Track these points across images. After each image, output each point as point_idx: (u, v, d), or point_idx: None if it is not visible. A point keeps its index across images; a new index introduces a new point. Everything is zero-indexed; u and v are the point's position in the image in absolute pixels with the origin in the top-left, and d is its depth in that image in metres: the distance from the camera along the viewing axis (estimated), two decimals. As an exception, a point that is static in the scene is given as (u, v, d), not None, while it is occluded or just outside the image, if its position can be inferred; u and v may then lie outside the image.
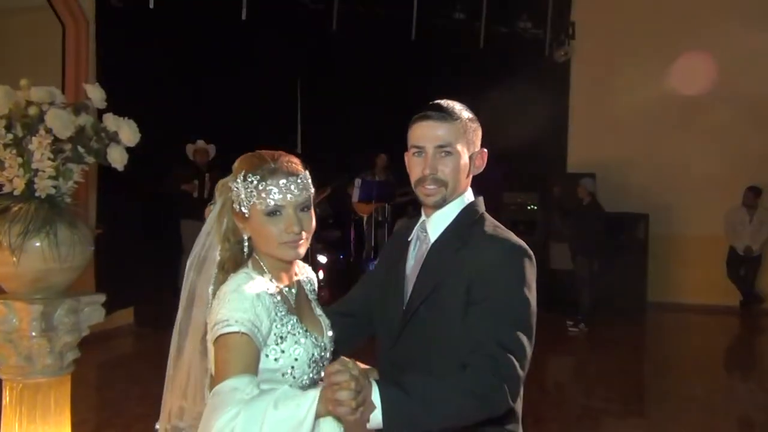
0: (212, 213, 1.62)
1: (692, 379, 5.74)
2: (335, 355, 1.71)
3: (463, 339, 1.55)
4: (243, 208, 1.53)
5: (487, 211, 1.77)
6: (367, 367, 1.76)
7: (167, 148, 6.93)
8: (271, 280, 1.55)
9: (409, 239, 1.79)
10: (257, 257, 1.58)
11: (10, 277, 2.38)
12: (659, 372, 6.15)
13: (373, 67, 8.21)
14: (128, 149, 3.04)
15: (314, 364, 1.56)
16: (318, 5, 7.53)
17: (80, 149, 2.61)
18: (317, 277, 1.84)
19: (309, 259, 8.71)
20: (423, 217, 1.77)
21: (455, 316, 1.59)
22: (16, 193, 2.42)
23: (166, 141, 6.81)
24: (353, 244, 8.92)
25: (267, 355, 1.48)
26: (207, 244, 1.62)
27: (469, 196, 1.76)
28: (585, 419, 4.66)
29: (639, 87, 8.31)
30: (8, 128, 2.49)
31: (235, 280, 1.51)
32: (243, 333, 1.41)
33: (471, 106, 1.77)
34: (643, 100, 8.33)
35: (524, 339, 1.54)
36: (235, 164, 1.59)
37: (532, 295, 1.60)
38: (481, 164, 1.77)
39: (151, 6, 5.82)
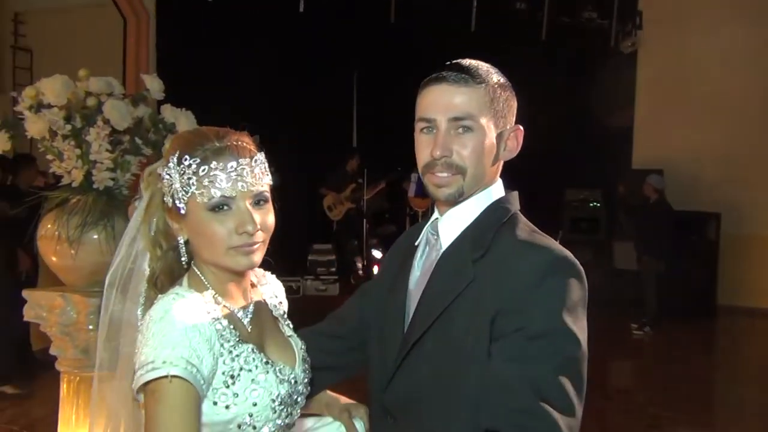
0: (136, 211, 1.26)
1: (767, 389, 5.41)
2: (317, 387, 1.39)
3: (484, 386, 1.13)
4: (178, 202, 1.15)
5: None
6: (352, 402, 1.47)
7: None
8: (214, 298, 1.19)
9: (416, 243, 1.37)
10: (196, 268, 1.22)
11: (69, 270, 2.37)
12: (731, 379, 5.82)
13: (432, 60, 8.04)
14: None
15: (281, 407, 1.20)
16: (377, -3, 7.45)
17: (138, 141, 2.59)
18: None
19: (363, 254, 8.66)
20: (435, 215, 1.34)
21: (473, 353, 1.16)
22: (74, 184, 2.40)
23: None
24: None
25: (215, 403, 1.12)
26: (132, 254, 1.25)
27: (497, 189, 1.33)
28: (653, 429, 4.43)
29: (710, 78, 7.92)
30: (67, 119, 2.48)
31: (161, 304, 1.13)
32: (174, 376, 1.05)
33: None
34: (714, 91, 7.94)
35: (570, 389, 1.11)
36: (167, 144, 1.25)
37: (581, 328, 1.16)
38: (514, 146, 1.33)
39: (211, -1, 5.84)
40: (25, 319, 2.56)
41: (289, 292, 1.59)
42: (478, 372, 1.15)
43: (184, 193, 1.14)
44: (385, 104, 8.88)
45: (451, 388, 1.18)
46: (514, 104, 1.34)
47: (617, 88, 8.43)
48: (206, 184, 1.13)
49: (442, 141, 1.24)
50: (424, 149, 1.28)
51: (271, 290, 1.40)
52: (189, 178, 1.13)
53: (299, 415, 1.29)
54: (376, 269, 8.66)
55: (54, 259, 2.33)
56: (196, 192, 1.13)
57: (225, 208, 1.14)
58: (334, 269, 8.09)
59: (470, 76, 1.26)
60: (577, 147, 7.81)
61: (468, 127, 1.25)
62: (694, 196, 7.89)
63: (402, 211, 8.87)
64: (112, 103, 2.49)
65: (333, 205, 8.36)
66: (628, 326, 6.91)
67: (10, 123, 2.47)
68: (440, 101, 1.25)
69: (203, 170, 1.13)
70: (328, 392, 1.47)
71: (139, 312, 1.21)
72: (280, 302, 1.41)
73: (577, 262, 1.21)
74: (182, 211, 1.16)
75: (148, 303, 1.20)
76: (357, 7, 7.57)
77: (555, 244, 1.23)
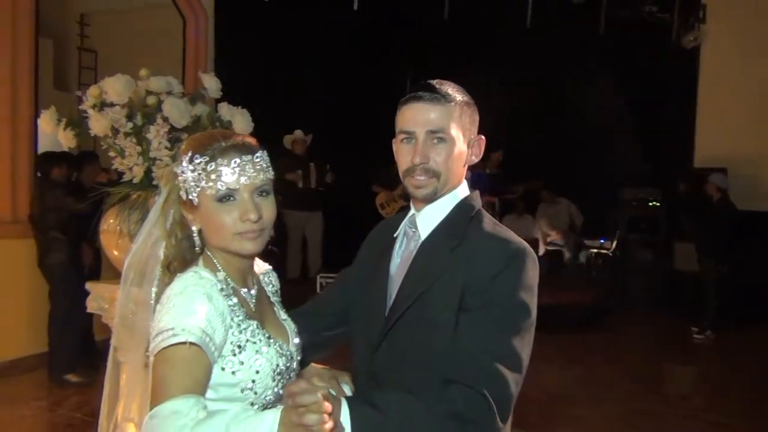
0: (156, 204, 1.43)
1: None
2: (304, 362, 1.55)
3: (452, 350, 1.36)
4: (190, 195, 1.31)
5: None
6: (337, 371, 1.63)
7: (278, 138, 7.08)
8: (225, 279, 1.34)
9: (395, 235, 1.60)
10: (209, 253, 1.37)
11: (129, 264, 2.44)
12: (798, 388, 5.57)
13: (486, 57, 7.99)
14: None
15: (279, 377, 1.36)
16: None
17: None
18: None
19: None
20: (412, 211, 1.58)
21: (447, 325, 1.39)
22: (135, 181, 2.47)
23: (282, 130, 6.96)
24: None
25: (223, 368, 1.27)
26: (150, 241, 1.41)
27: (463, 189, 1.57)
28: (713, 436, 4.29)
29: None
30: (129, 117, 2.55)
31: (182, 280, 1.29)
32: (191, 343, 1.19)
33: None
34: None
35: (520, 352, 1.36)
36: (182, 145, 1.38)
37: (533, 301, 1.41)
38: (478, 153, 1.58)
39: (267, -2, 5.94)
40: (88, 310, 2.65)
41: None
42: (449, 339, 1.38)
43: (195, 186, 1.30)
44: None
45: (428, 353, 1.40)
46: (477, 118, 1.56)
47: (678, 84, 8.18)
48: (214, 178, 1.28)
49: (421, 150, 1.47)
50: (405, 156, 1.50)
51: (269, 278, 1.57)
52: (199, 174, 1.29)
53: None
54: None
55: (115, 252, 2.39)
56: (206, 185, 1.29)
57: (230, 199, 1.30)
58: (386, 266, 8.10)
59: (442, 96, 1.48)
60: (636, 144, 7.62)
61: (442, 138, 1.48)
62: (758, 195, 7.58)
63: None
64: (171, 101, 2.55)
65: (385, 203, 8.37)
66: (689, 330, 6.70)
67: (75, 121, 2.56)
68: (419, 117, 1.48)
69: (211, 166, 1.29)
70: (314, 365, 1.66)
71: (153, 292, 1.35)
72: (277, 290, 1.57)
73: (532, 251, 1.46)
74: (195, 203, 1.31)
75: (161, 285, 1.34)
76: (410, 4, 7.55)
77: (514, 237, 1.48)
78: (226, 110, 2.85)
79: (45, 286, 4.86)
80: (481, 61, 8.06)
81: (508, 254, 1.42)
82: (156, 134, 2.46)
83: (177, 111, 2.53)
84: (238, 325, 1.29)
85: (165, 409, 1.14)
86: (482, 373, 1.31)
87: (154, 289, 1.35)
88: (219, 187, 1.28)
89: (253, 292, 1.41)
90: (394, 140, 1.55)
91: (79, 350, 4.89)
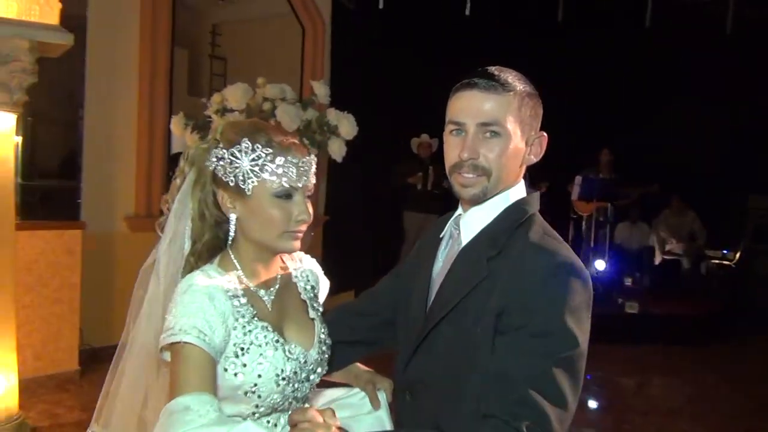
0: (184, 187, 1.36)
1: None
2: (347, 360, 1.52)
3: (486, 375, 1.20)
4: (242, 183, 1.26)
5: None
6: (378, 375, 1.58)
7: (394, 142, 7.28)
8: (239, 278, 1.31)
9: (441, 236, 1.45)
10: (230, 250, 1.34)
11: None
12: None
13: (600, 59, 7.81)
14: (357, 142, 3.29)
15: (284, 381, 1.30)
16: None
17: (305, 141, 2.87)
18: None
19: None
20: (459, 211, 1.42)
21: (481, 342, 1.23)
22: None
23: (394, 135, 7.17)
24: (571, 243, 8.58)
25: (226, 369, 1.25)
26: (180, 229, 1.38)
27: (518, 191, 1.39)
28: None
29: None
30: (247, 122, 2.82)
31: (187, 279, 1.27)
32: (186, 343, 1.18)
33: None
34: None
35: (566, 385, 1.16)
36: (222, 128, 1.33)
37: (580, 327, 1.21)
38: (538, 152, 1.39)
39: (381, 6, 6.14)
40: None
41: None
42: (483, 362, 1.22)
43: (253, 176, 1.26)
44: (550, 108, 8.72)
45: (461, 373, 1.26)
46: (540, 112, 1.38)
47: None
48: (279, 173, 1.25)
49: (470, 144, 1.30)
50: (452, 150, 1.34)
51: (305, 274, 1.50)
52: (263, 164, 1.25)
53: (308, 390, 1.39)
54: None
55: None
56: (268, 178, 1.26)
57: (288, 197, 1.28)
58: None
59: (500, 84, 1.31)
60: (764, 150, 7.16)
61: (495, 132, 1.30)
62: None
63: (565, 214, 8.67)
64: (283, 107, 2.80)
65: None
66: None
67: (200, 125, 2.87)
68: (470, 106, 1.31)
69: (279, 160, 1.26)
70: (358, 365, 1.59)
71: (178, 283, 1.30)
72: (312, 286, 1.49)
73: (583, 267, 1.26)
74: (247, 192, 1.27)
75: (186, 273, 1.33)
76: (522, 8, 7.52)
77: (563, 249, 1.28)
78: (333, 115, 3.07)
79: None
80: (594, 63, 7.88)
81: (551, 268, 1.23)
82: (269, 138, 2.70)
83: (288, 116, 2.77)
84: (243, 326, 1.27)
85: (177, 404, 1.15)
86: (521, 409, 1.14)
87: (179, 280, 1.31)
88: (284, 183, 1.26)
89: (273, 290, 1.37)
90: (444, 133, 1.39)
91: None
